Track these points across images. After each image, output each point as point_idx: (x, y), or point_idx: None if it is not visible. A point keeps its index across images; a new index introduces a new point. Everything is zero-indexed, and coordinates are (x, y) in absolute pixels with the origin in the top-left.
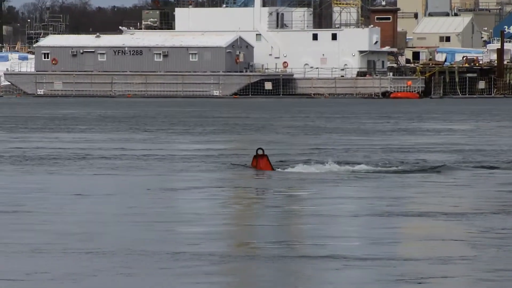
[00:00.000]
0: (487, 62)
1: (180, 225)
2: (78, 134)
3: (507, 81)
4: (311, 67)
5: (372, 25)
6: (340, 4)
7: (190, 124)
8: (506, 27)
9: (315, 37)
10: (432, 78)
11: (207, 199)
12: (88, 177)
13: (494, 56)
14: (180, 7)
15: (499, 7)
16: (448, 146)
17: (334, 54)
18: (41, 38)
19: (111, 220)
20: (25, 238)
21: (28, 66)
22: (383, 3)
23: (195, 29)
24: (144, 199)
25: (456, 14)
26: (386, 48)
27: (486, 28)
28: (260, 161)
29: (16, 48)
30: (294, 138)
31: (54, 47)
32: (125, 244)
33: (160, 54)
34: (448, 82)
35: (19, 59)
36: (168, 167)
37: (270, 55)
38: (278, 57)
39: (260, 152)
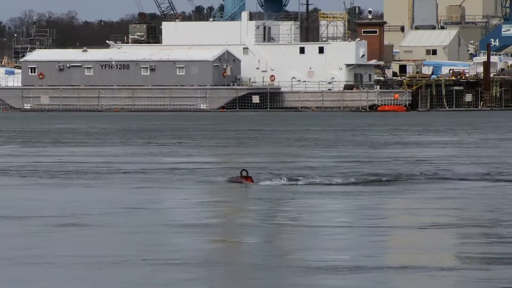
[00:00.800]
0: (473, 75)
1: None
2: (96, 148)
3: (494, 94)
4: (298, 81)
5: (358, 39)
6: (327, 17)
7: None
8: (492, 40)
9: (302, 50)
10: (419, 91)
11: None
12: (134, 190)
13: (480, 69)
14: (167, 21)
15: (485, 20)
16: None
17: (321, 67)
18: (27, 53)
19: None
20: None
21: (15, 80)
22: (370, 16)
23: (182, 43)
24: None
25: (442, 27)
26: (373, 61)
27: (472, 41)
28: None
29: (2, 63)
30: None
31: (40, 61)
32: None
33: (147, 68)
34: (435, 95)
35: (5, 73)
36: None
37: (257, 68)
38: (265, 71)
39: (244, 173)
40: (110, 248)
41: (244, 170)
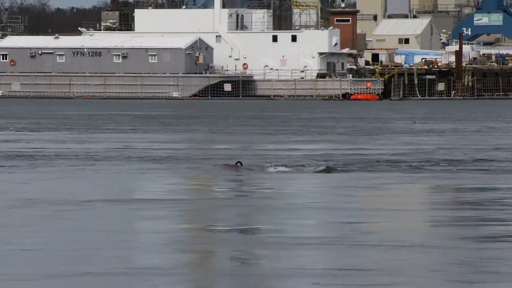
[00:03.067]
0: (445, 64)
1: None
2: (155, 134)
3: (466, 83)
4: (271, 69)
5: (331, 27)
6: (299, 6)
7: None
8: (464, 29)
9: (275, 38)
10: (392, 80)
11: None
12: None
13: (452, 58)
14: (139, 8)
15: (458, 9)
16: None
17: (294, 55)
18: None
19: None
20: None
21: None
22: (343, 5)
23: (154, 30)
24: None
25: (415, 16)
26: (346, 50)
27: (444, 30)
28: None
29: None
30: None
31: (12, 48)
32: None
33: (119, 55)
34: (407, 84)
35: None
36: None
37: (230, 56)
38: (238, 59)
39: (239, 165)
40: None
41: (238, 162)
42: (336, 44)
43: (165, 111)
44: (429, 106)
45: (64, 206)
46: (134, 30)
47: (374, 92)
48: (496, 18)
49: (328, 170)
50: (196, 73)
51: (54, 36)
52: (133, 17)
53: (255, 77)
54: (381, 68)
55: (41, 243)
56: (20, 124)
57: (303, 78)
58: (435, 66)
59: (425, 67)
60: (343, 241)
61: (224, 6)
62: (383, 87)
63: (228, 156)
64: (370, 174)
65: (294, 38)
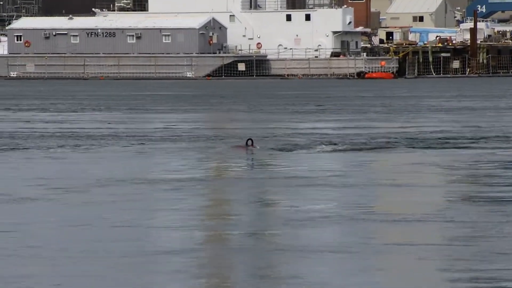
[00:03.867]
0: (460, 41)
1: None
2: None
3: (481, 61)
4: (285, 48)
5: (345, 6)
6: None
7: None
8: (479, 6)
9: (288, 18)
10: (406, 58)
11: None
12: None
13: (467, 36)
14: None
15: None
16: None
17: (308, 34)
18: (13, 21)
19: None
20: None
21: (1, 48)
22: None
23: (168, 10)
24: None
25: None
26: (360, 29)
27: (459, 8)
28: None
29: None
30: None
31: (26, 29)
32: None
33: (133, 36)
34: (421, 62)
35: None
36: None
37: (244, 36)
38: (252, 38)
39: (249, 142)
40: None
41: (249, 139)
42: (350, 22)
43: (196, 91)
44: (448, 84)
45: (147, 185)
46: (148, 11)
47: (389, 71)
48: None
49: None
50: (210, 53)
51: (68, 17)
52: None
53: (269, 57)
54: (395, 46)
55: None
56: (64, 105)
57: (317, 57)
58: (450, 44)
59: (440, 45)
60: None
61: None
62: (397, 65)
63: (295, 135)
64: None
65: (308, 17)
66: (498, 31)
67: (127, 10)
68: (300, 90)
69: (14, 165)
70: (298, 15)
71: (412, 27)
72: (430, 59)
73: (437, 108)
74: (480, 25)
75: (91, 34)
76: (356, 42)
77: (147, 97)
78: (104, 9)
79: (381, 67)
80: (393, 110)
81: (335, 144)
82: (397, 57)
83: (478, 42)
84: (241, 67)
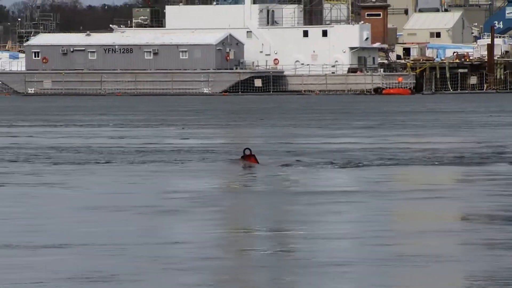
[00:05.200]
0: (477, 57)
1: None
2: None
3: (498, 76)
4: (302, 64)
5: (362, 22)
6: (330, 0)
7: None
8: (496, 22)
9: (305, 34)
10: (423, 74)
11: None
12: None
13: (484, 52)
14: (170, 4)
15: (489, 2)
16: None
17: (325, 50)
18: (31, 37)
19: None
20: None
21: (19, 65)
22: None
23: (185, 26)
24: None
25: (446, 10)
26: (377, 45)
27: (476, 24)
28: (248, 160)
29: (6, 47)
30: None
31: (44, 45)
32: None
33: (150, 52)
34: (439, 78)
35: (10, 58)
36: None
37: (261, 52)
38: (269, 54)
39: (247, 152)
40: None
41: (247, 148)
42: (367, 38)
43: (231, 106)
44: (474, 99)
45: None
46: (165, 27)
47: (406, 87)
48: None
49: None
50: (227, 69)
51: (85, 33)
52: (164, 14)
53: (286, 73)
54: (412, 62)
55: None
56: (114, 121)
57: (334, 73)
58: (467, 60)
59: (457, 60)
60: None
61: (254, 1)
62: (414, 81)
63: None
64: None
65: (325, 33)
66: None
67: (145, 26)
68: (334, 106)
69: (136, 179)
70: (315, 31)
71: (429, 43)
72: (448, 75)
73: (497, 124)
74: (498, 41)
75: (108, 50)
76: (373, 58)
77: (196, 112)
78: (121, 26)
79: (398, 83)
80: (449, 126)
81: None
82: (414, 73)
83: (495, 58)
84: (258, 83)
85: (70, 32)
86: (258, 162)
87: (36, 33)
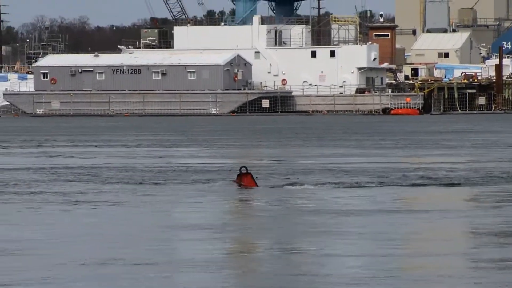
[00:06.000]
0: (486, 78)
1: None
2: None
3: (507, 97)
4: (310, 84)
5: (370, 42)
6: (338, 21)
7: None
8: (504, 42)
9: (313, 54)
10: (431, 94)
11: None
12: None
13: (492, 72)
14: (178, 25)
15: (497, 23)
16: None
17: (333, 71)
18: (40, 58)
19: None
20: None
21: (28, 86)
22: (381, 20)
23: (193, 47)
24: None
25: (454, 30)
26: (385, 65)
27: (484, 44)
28: (244, 178)
29: (15, 68)
30: None
31: (52, 66)
32: None
33: (158, 72)
34: (447, 98)
35: (18, 79)
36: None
37: (269, 72)
38: (277, 75)
39: (243, 170)
40: None
41: (243, 166)
42: (375, 59)
43: (250, 126)
44: (484, 119)
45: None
46: (173, 47)
47: (414, 107)
48: None
49: None
50: (235, 89)
51: (94, 54)
52: (172, 35)
53: (294, 93)
54: (420, 82)
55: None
56: (144, 141)
57: (342, 93)
58: (475, 80)
59: (465, 81)
60: None
61: (262, 22)
62: (423, 101)
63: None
64: None
65: (332, 54)
66: None
67: (153, 47)
68: (356, 126)
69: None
70: (323, 51)
71: (437, 63)
72: (456, 95)
73: None
74: (506, 61)
75: (116, 71)
76: (381, 78)
77: (221, 132)
78: (129, 46)
79: (407, 103)
80: (479, 146)
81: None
82: (423, 93)
83: (504, 78)
84: (265, 103)
85: (79, 53)
86: (254, 180)
87: (45, 54)
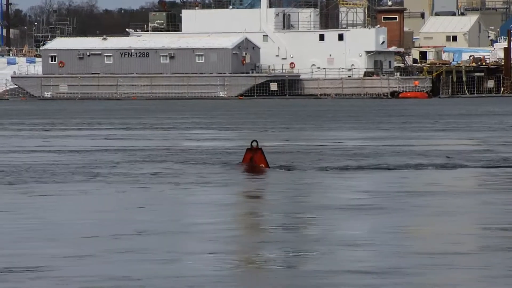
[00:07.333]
0: (494, 61)
1: None
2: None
3: None
4: (318, 68)
5: (378, 25)
6: (346, 4)
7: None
8: None
9: (321, 37)
10: (440, 77)
11: None
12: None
13: (501, 55)
14: (186, 8)
15: (506, 6)
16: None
17: (341, 54)
18: (48, 41)
19: None
20: None
21: (36, 69)
22: (390, 3)
23: (201, 30)
24: None
25: (462, 14)
26: (393, 48)
27: (493, 27)
28: (255, 155)
29: (23, 52)
30: None
31: (61, 50)
32: None
33: (166, 56)
34: (455, 82)
35: (26, 62)
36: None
37: (277, 56)
38: (285, 58)
39: (254, 144)
40: None
41: (254, 140)
42: (383, 42)
43: (269, 109)
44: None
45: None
46: (181, 31)
47: (422, 90)
48: None
49: None
50: (243, 73)
51: (102, 38)
52: (180, 18)
53: (302, 76)
54: (428, 65)
55: None
56: (187, 124)
57: (350, 76)
58: (484, 64)
59: (473, 64)
60: None
61: (270, 5)
62: (431, 85)
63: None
64: None
65: (341, 37)
66: None
67: (161, 31)
68: (369, 108)
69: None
70: (331, 35)
71: (445, 46)
72: (464, 78)
73: None
74: None
75: (124, 55)
76: (390, 62)
77: (262, 115)
78: (137, 30)
79: (415, 86)
80: None
81: None
82: (431, 77)
83: None
84: (273, 87)
85: (87, 36)
86: (265, 157)
87: (53, 37)
